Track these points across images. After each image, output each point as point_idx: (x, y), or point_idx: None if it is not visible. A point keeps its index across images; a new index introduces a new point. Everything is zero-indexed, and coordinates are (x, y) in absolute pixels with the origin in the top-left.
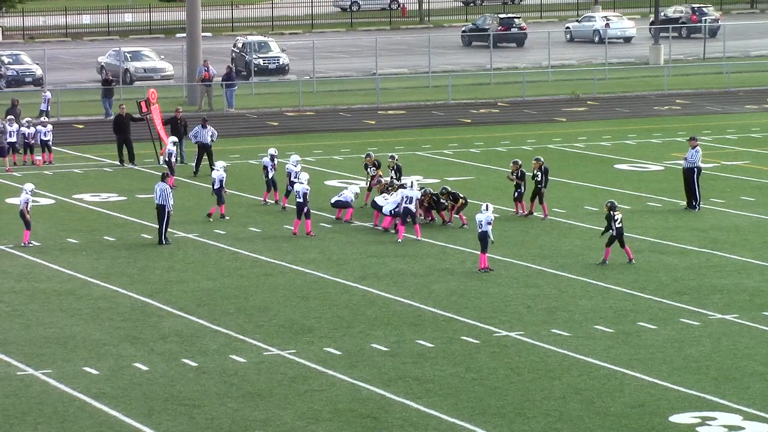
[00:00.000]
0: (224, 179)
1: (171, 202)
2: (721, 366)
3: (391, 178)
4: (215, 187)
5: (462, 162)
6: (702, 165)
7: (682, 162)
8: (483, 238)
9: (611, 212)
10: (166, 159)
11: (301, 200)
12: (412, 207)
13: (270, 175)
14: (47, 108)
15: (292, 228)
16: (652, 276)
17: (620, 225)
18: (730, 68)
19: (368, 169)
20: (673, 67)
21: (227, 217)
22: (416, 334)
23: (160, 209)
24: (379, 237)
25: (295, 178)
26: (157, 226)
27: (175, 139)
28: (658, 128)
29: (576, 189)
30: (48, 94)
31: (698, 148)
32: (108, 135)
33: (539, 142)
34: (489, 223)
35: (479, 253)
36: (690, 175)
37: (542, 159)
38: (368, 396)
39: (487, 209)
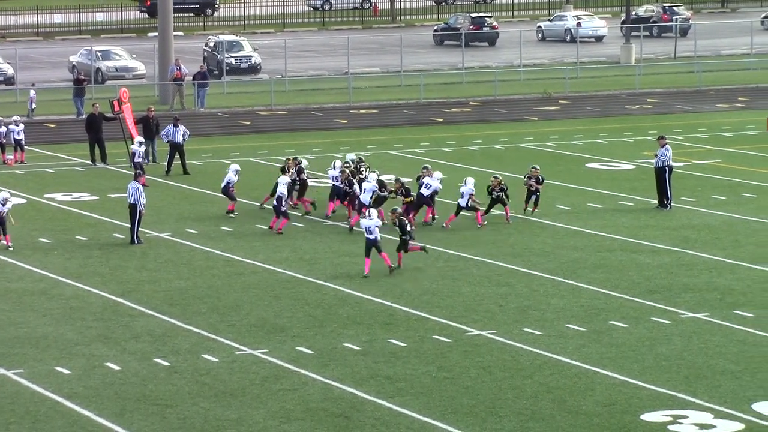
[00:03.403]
0: (285, 196)
1: (143, 201)
2: (692, 364)
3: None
4: (275, 203)
5: (434, 161)
6: (673, 163)
7: (653, 161)
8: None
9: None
10: (132, 160)
11: (276, 203)
12: (365, 199)
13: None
14: (34, 107)
15: (267, 227)
16: (623, 275)
17: (411, 229)
18: (701, 67)
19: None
20: (644, 66)
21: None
22: (388, 333)
23: (132, 208)
24: (351, 236)
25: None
26: (129, 226)
27: (141, 139)
28: (630, 127)
29: (548, 188)
30: (32, 93)
31: (667, 146)
32: (80, 134)
33: (511, 141)
34: (470, 194)
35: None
36: (662, 174)
37: (499, 177)
38: (340, 395)
39: (466, 183)
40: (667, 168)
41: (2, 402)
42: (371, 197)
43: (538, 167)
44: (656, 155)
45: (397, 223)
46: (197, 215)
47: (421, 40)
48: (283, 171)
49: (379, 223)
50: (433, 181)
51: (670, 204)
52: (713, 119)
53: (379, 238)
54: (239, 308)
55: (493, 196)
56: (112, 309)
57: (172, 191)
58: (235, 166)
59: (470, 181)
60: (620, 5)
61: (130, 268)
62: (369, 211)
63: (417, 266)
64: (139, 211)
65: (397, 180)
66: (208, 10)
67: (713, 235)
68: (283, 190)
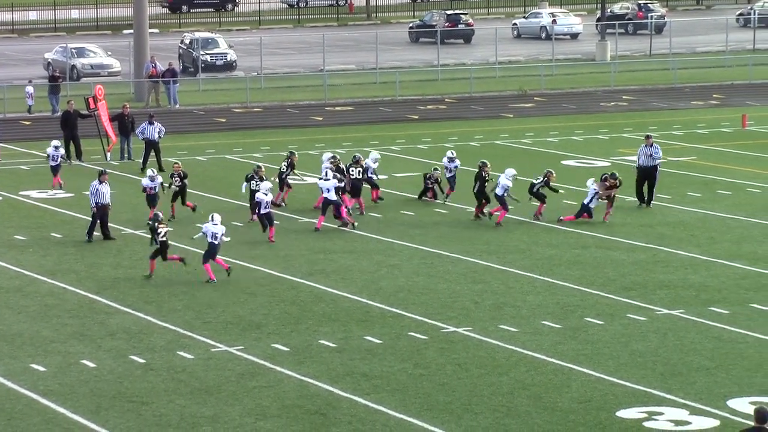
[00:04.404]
0: (263, 201)
1: (97, 200)
2: (667, 361)
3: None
4: (259, 212)
5: (409, 158)
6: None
7: (633, 158)
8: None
9: (155, 224)
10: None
11: (264, 211)
12: (332, 197)
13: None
14: (33, 103)
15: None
16: (599, 271)
17: (165, 239)
18: (676, 64)
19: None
20: (619, 63)
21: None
22: (364, 330)
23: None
24: (327, 233)
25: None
26: (99, 224)
27: (56, 143)
28: (605, 124)
29: (524, 185)
30: (30, 88)
31: (656, 144)
32: (55, 131)
33: (487, 138)
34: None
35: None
36: (654, 172)
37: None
38: (316, 392)
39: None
40: (657, 166)
41: None
42: (336, 194)
43: (616, 172)
44: (650, 155)
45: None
46: None
47: (397, 37)
48: (252, 179)
49: (224, 229)
50: (506, 179)
51: (651, 201)
52: (688, 116)
53: (220, 244)
54: (215, 305)
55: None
56: (88, 306)
57: None
58: (267, 185)
59: (509, 172)
60: (595, 2)
61: (106, 265)
62: (213, 216)
63: (393, 263)
64: (93, 209)
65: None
66: (229, 5)
67: (688, 232)
68: (261, 196)
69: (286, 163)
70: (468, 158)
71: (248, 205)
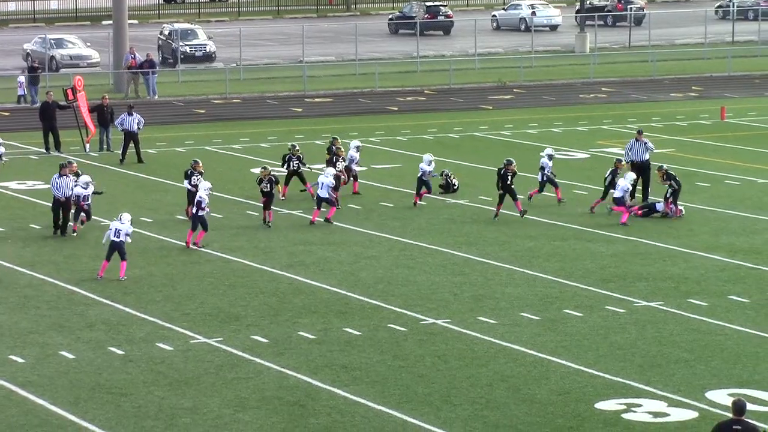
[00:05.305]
0: (205, 201)
1: (61, 192)
2: (646, 353)
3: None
4: (197, 213)
5: (389, 150)
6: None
7: (635, 155)
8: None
9: None
10: None
11: (202, 213)
12: (324, 194)
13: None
14: (24, 92)
15: (189, 238)
16: (578, 263)
17: None
18: (655, 56)
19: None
20: (598, 55)
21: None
22: (343, 322)
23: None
24: (306, 225)
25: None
26: (55, 217)
27: None
28: (584, 116)
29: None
30: (22, 78)
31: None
32: (34, 122)
33: (466, 130)
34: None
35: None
36: (647, 167)
37: (665, 167)
38: (295, 384)
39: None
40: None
41: None
42: (329, 192)
43: (664, 166)
44: (649, 148)
45: None
46: (152, 204)
47: (376, 28)
48: (192, 174)
49: (131, 230)
50: (624, 181)
51: (647, 198)
52: (667, 108)
53: (125, 243)
54: (194, 297)
55: (668, 187)
56: (67, 298)
57: (127, 180)
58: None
59: (630, 176)
60: None
61: (85, 256)
62: (121, 216)
63: (372, 255)
64: (61, 202)
65: (264, 168)
66: None
67: (667, 224)
68: (202, 195)
69: (333, 151)
70: (447, 151)
71: (194, 198)
